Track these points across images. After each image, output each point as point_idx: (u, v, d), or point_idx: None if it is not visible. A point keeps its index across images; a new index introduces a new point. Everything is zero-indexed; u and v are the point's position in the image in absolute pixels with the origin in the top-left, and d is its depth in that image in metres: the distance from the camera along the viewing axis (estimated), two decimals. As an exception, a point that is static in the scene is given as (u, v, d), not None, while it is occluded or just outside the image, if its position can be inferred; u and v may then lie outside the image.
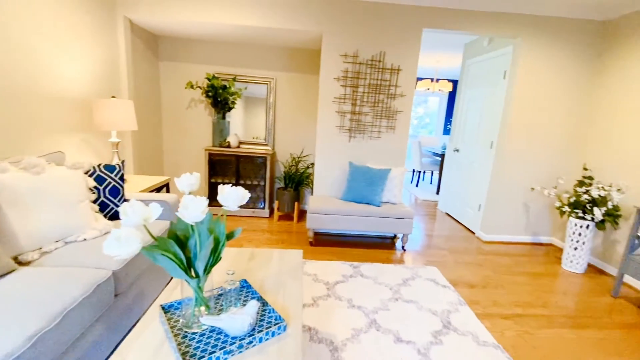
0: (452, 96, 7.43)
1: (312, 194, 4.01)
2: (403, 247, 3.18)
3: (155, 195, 2.23)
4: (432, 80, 7.32)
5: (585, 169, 3.02)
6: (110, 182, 1.98)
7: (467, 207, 3.93)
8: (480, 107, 3.81)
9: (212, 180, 3.71)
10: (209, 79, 3.55)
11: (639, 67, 2.77)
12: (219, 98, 3.59)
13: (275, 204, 3.74)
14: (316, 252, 2.95)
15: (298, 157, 3.95)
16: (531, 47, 3.12)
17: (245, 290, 1.31)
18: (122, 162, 2.12)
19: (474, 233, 3.76)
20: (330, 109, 3.21)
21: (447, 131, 7.59)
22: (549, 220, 3.54)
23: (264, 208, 3.83)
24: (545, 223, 3.54)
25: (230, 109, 3.74)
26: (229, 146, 3.71)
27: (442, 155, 5.36)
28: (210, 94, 3.57)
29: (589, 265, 3.07)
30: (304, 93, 3.90)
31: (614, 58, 3.01)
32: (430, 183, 6.60)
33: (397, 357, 1.68)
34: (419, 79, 7.33)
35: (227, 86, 3.59)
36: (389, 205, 3.13)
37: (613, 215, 2.68)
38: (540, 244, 3.55)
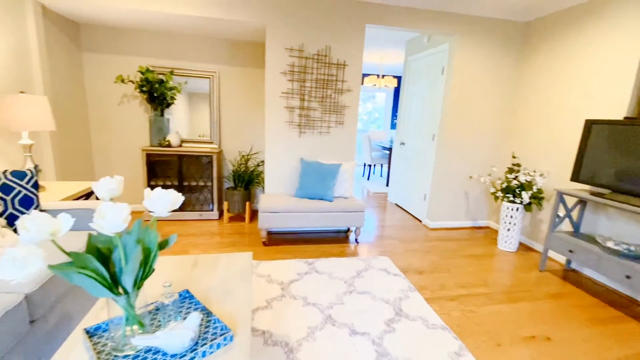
0: (397, 92, 7.75)
1: (263, 192, 3.90)
2: (356, 239, 3.23)
3: (79, 203, 1.97)
4: (377, 76, 7.55)
5: (513, 157, 3.33)
6: (20, 191, 1.70)
7: (414, 197, 4.13)
8: (422, 102, 4.01)
9: (152, 183, 3.41)
10: (142, 72, 3.25)
11: (547, 63, 3.12)
12: (156, 93, 3.30)
13: (225, 205, 3.56)
14: (270, 252, 2.87)
15: (247, 155, 3.81)
16: (465, 45, 3.34)
17: (188, 301, 1.20)
18: (36, 167, 1.84)
19: (421, 221, 3.96)
20: (278, 104, 3.13)
21: (394, 126, 7.92)
22: (486, 205, 3.86)
23: (212, 210, 3.64)
24: (483, 208, 3.86)
25: (169, 105, 3.47)
26: (169, 145, 3.43)
27: (390, 149, 5.57)
28: (144, 88, 3.27)
29: (520, 244, 3.41)
30: (251, 88, 3.76)
31: (530, 56, 3.34)
32: (381, 176, 6.84)
33: (352, 350, 1.69)
34: (365, 74, 7.52)
35: (164, 80, 3.32)
36: (341, 199, 3.16)
37: (537, 198, 2.99)
38: (480, 228, 3.86)
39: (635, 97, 2.49)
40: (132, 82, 3.32)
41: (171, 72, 3.38)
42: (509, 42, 3.44)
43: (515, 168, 3.26)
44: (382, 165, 7.27)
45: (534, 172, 3.14)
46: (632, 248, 2.24)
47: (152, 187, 3.40)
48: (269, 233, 3.32)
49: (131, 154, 3.64)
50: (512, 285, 2.53)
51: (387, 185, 5.75)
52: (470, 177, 3.71)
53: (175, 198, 0.89)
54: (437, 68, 3.67)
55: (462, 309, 2.17)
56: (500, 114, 3.61)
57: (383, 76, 7.60)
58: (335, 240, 3.26)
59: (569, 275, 2.77)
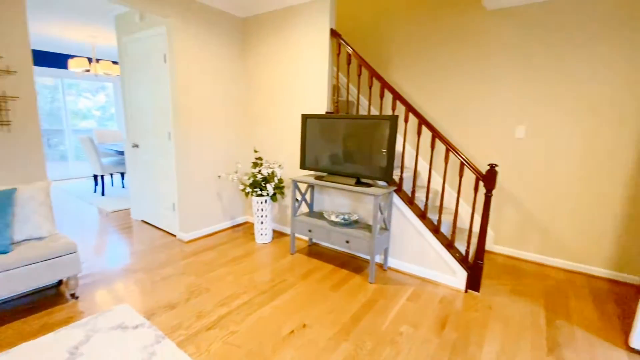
0: (129, 83, 6.44)
1: None
2: (74, 294, 2.22)
3: None
4: (90, 60, 5.93)
5: (255, 151, 3.40)
6: None
7: (163, 209, 3.46)
8: (149, 94, 3.32)
9: None
10: None
11: (266, 60, 3.35)
12: None
13: None
14: None
15: None
16: (185, 30, 2.96)
17: None
18: None
19: (175, 236, 3.38)
20: None
21: (133, 123, 6.58)
22: (240, 202, 3.82)
23: None
24: (239, 205, 3.80)
25: None
26: None
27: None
28: None
29: (275, 232, 3.60)
30: None
31: (251, 50, 3.47)
32: (123, 187, 5.51)
33: None
34: (72, 56, 5.71)
35: None
36: (31, 244, 2.03)
37: (280, 188, 3.18)
38: (239, 225, 3.78)
39: (331, 95, 3.04)
40: None
41: None
42: (232, 34, 3.39)
43: (259, 162, 3.34)
44: (122, 174, 5.89)
45: (274, 164, 3.33)
46: (346, 217, 2.77)
47: None
48: None
49: None
50: (270, 280, 2.53)
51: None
52: (219, 176, 3.50)
53: None
54: (159, 54, 3.09)
55: (223, 336, 1.87)
56: (236, 108, 3.58)
57: (98, 60, 6.04)
58: (33, 307, 2.10)
59: (313, 250, 3.15)
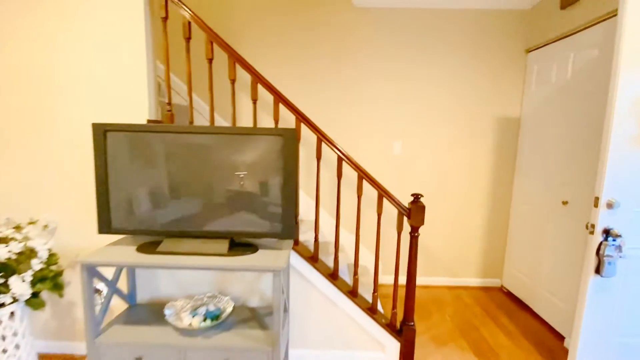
0: None
1: None
2: None
3: None
4: None
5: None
6: None
7: None
8: None
9: None
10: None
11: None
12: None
13: None
14: None
15: None
16: None
17: None
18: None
19: None
20: None
21: None
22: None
23: None
24: None
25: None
26: None
27: None
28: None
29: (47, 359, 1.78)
30: None
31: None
32: None
33: None
34: None
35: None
36: None
37: (48, 281, 1.50)
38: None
39: (156, 92, 1.70)
40: None
41: None
42: None
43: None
44: None
45: (33, 227, 1.60)
46: (213, 309, 1.53)
47: None
48: None
49: None
50: None
51: None
52: None
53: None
54: None
55: None
56: None
57: None
58: None
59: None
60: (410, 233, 1.69)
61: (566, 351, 1.96)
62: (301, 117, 1.65)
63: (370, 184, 1.64)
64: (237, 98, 2.52)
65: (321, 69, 2.53)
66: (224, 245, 1.42)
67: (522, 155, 2.57)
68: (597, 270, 1.55)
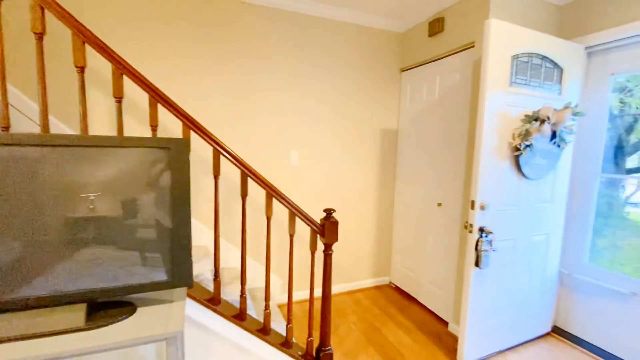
0: None
1: None
2: None
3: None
4: None
5: None
6: None
7: None
8: None
9: None
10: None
11: None
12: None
13: None
14: None
15: None
16: None
17: None
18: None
19: None
20: None
21: None
22: None
23: None
24: None
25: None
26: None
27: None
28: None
29: None
30: None
31: None
32: None
33: None
34: None
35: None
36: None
37: None
38: None
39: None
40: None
41: None
42: None
43: None
44: None
45: None
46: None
47: None
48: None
49: None
50: None
51: None
52: None
53: None
54: None
55: None
56: None
57: None
58: None
59: None
60: (324, 251, 1.57)
61: (452, 335, 2.23)
62: (190, 123, 1.30)
63: (282, 202, 1.44)
64: (88, 95, 1.87)
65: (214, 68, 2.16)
66: (78, 314, 0.94)
67: (400, 163, 2.85)
68: (477, 264, 1.80)
